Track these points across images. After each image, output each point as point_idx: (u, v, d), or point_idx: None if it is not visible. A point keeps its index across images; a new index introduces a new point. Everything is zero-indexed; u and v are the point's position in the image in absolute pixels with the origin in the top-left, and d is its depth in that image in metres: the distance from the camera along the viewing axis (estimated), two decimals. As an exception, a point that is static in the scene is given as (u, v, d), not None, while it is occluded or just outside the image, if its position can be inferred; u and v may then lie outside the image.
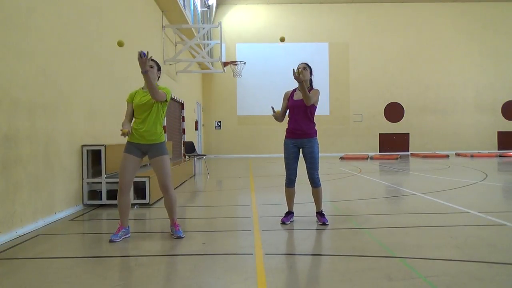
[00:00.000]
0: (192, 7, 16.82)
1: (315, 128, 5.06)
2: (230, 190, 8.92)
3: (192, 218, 6.06)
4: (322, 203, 5.09)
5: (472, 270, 3.23)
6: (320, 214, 5.04)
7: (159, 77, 4.50)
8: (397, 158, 18.64)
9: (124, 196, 4.37)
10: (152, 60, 4.41)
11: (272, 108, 5.08)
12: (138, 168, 4.45)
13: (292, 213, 5.14)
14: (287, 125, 5.08)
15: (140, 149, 4.39)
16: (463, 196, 7.21)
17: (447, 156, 19.81)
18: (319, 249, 4.15)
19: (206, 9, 21.38)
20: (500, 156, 19.42)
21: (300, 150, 5.04)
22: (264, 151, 23.14)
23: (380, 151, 24.10)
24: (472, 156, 19.81)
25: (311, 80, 5.07)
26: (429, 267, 3.32)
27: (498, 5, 24.47)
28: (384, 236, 4.39)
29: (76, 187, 6.20)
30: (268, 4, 24.22)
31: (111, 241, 4.21)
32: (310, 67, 5.04)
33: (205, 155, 15.88)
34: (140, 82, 4.48)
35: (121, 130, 4.21)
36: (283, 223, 4.96)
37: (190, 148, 12.89)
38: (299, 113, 4.94)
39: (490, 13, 24.46)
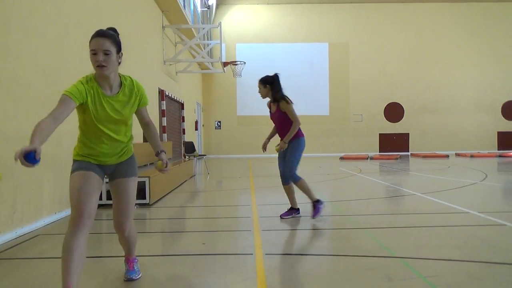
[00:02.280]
0: (192, 7, 16.83)
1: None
2: (230, 190, 8.92)
3: (192, 218, 6.06)
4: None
5: (472, 270, 3.23)
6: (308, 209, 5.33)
7: (119, 62, 2.77)
8: (397, 158, 18.64)
9: (80, 236, 2.55)
10: (107, 35, 2.74)
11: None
12: (99, 192, 2.83)
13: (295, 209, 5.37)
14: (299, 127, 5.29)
15: (102, 168, 2.88)
16: (463, 196, 7.21)
17: (447, 156, 19.81)
18: (319, 249, 4.15)
19: (206, 9, 21.38)
20: (500, 156, 19.42)
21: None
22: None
23: (380, 151, 24.10)
24: (472, 156, 19.81)
25: (276, 92, 5.24)
26: (429, 267, 3.31)
27: (498, 5, 24.47)
28: (384, 236, 4.39)
29: (76, 187, 6.19)
30: (268, 4, 24.21)
31: None
32: (267, 81, 5.24)
33: (205, 155, 15.88)
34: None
35: (20, 160, 2.13)
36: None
37: (190, 148, 12.89)
38: (277, 124, 5.37)
39: (490, 13, 24.47)
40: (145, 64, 10.98)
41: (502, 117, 24.66)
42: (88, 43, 2.75)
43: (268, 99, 5.40)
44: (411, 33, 24.48)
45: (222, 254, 3.81)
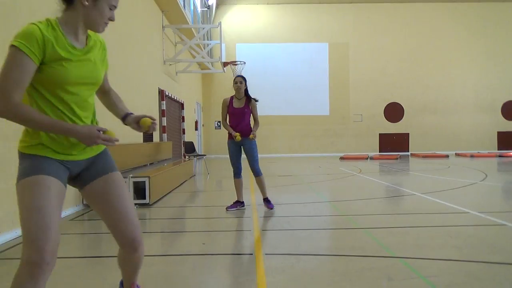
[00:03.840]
0: (192, 7, 16.83)
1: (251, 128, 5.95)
2: (230, 190, 8.91)
3: (192, 218, 6.06)
4: (267, 190, 6.00)
5: (472, 270, 3.23)
6: (266, 200, 5.92)
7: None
8: (396, 158, 18.63)
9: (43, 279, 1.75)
10: None
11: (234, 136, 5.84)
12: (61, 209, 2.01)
13: (241, 202, 6.03)
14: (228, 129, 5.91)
15: (66, 169, 2.01)
16: (463, 196, 7.21)
17: (447, 156, 19.81)
18: (319, 249, 4.15)
19: (206, 9, 21.38)
20: (500, 156, 19.42)
21: (241, 147, 6.03)
22: (264, 151, 23.11)
23: (380, 151, 24.10)
24: (472, 156, 19.80)
25: (246, 90, 5.86)
26: (429, 267, 3.31)
27: (498, 5, 24.47)
28: (384, 236, 4.39)
29: (76, 187, 6.18)
30: (268, 4, 24.21)
31: None
32: (245, 79, 5.88)
33: (205, 155, 15.88)
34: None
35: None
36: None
37: (190, 148, 12.89)
38: (239, 118, 5.84)
39: (490, 13, 24.47)
40: (145, 64, 10.98)
41: (502, 117, 24.66)
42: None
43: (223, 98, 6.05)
44: (411, 33, 24.48)
45: (222, 254, 3.80)
